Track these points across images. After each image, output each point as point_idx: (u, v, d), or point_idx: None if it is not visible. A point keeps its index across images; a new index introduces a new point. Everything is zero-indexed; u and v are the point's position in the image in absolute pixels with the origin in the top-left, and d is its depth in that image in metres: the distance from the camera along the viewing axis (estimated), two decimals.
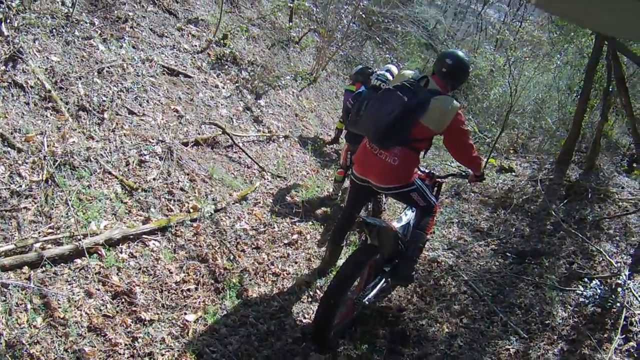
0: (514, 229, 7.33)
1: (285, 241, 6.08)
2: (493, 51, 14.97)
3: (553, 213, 7.56)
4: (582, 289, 5.58)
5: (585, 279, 5.74)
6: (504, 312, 5.48)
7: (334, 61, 13.05)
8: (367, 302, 4.56)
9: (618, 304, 5.44)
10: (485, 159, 9.73)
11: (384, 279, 4.76)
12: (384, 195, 6.43)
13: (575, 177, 8.79)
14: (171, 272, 4.74)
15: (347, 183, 6.95)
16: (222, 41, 8.92)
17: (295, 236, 6.22)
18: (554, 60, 11.52)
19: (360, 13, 12.63)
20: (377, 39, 15.28)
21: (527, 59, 10.26)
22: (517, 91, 9.68)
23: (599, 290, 5.47)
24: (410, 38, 17.19)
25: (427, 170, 5.19)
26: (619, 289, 5.48)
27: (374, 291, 4.62)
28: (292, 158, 8.25)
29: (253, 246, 5.72)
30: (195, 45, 8.54)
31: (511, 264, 6.51)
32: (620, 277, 5.64)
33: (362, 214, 5.37)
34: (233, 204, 6.27)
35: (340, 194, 7.60)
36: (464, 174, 5.30)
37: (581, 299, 5.54)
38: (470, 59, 5.24)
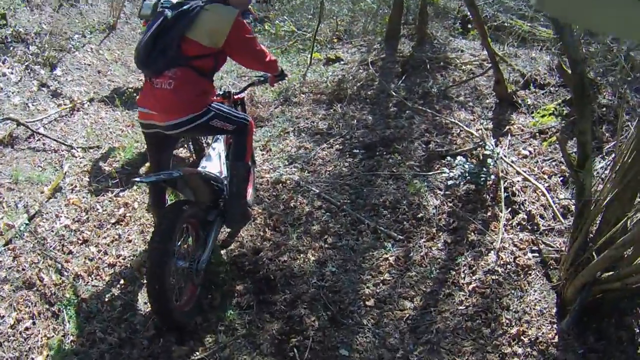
0: (355, 121, 6.18)
1: (113, 220, 4.78)
2: None
3: (393, 93, 6.50)
4: (447, 170, 4.55)
5: (448, 157, 4.71)
6: (370, 217, 4.61)
7: (131, 1, 11.05)
8: (203, 265, 3.72)
9: (492, 176, 4.49)
10: (309, 55, 8.56)
11: (213, 231, 3.93)
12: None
13: (409, 50, 7.80)
14: (2, 317, 3.71)
15: None
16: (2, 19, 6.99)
17: (121, 210, 4.89)
18: None
19: None
20: None
21: None
22: None
23: (466, 167, 4.49)
24: None
25: (220, 92, 4.39)
26: (489, 160, 4.52)
27: (207, 252, 3.79)
28: (101, 122, 6.62)
29: (80, 242, 4.51)
30: None
31: (362, 160, 5.39)
32: (487, 146, 4.67)
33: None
34: (47, 201, 4.94)
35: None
36: (262, 78, 4.61)
37: (450, 182, 4.51)
38: None
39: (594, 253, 3.27)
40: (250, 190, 4.66)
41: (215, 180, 3.89)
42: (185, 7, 3.37)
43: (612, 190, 3.17)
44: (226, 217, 3.99)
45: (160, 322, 3.56)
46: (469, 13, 7.54)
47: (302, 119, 6.64)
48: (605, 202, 3.21)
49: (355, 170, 5.22)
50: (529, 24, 8.31)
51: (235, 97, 4.53)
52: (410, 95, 6.46)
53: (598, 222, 3.40)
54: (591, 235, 3.41)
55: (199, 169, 4.09)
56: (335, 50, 9.09)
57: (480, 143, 5.00)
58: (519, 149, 5.04)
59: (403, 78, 6.97)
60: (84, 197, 5.08)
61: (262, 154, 5.90)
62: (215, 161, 4.30)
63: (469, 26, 8.48)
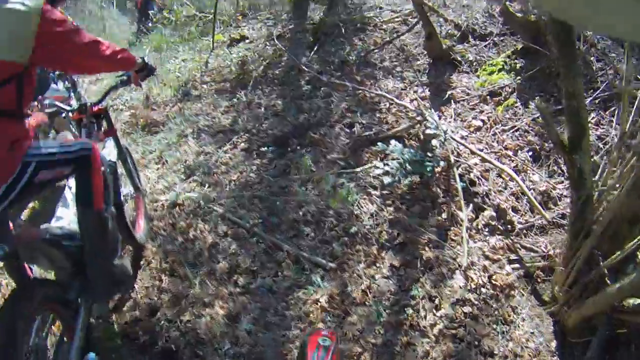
0: (262, 110, 4.96)
1: None
2: None
3: (304, 68, 5.28)
4: (380, 164, 3.37)
5: (379, 144, 3.52)
6: (289, 240, 3.46)
7: None
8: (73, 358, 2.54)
9: (441, 162, 3.35)
10: (211, 38, 7.30)
11: (81, 314, 2.68)
12: None
13: (320, 17, 6.59)
14: None
15: None
16: None
17: None
18: None
19: None
20: None
21: None
22: None
23: (405, 154, 3.32)
24: None
25: (70, 106, 3.28)
26: (434, 142, 3.37)
27: (76, 341, 2.58)
28: None
29: None
30: None
31: (272, 161, 4.18)
32: (428, 122, 3.51)
33: None
34: None
35: None
36: (124, 78, 3.24)
37: (386, 179, 3.32)
38: None
39: (606, 270, 2.16)
40: (141, 223, 3.62)
41: (69, 239, 2.67)
42: None
43: (624, 176, 2.06)
44: (90, 290, 2.74)
45: None
46: None
47: (202, 115, 5.39)
48: (616, 193, 2.09)
49: (265, 175, 4.01)
50: None
51: (94, 109, 3.18)
52: (325, 68, 5.27)
53: (604, 221, 2.27)
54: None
55: (48, 224, 2.80)
56: (240, 29, 7.82)
57: (418, 118, 3.85)
58: (467, 118, 3.92)
59: (315, 49, 5.75)
60: None
61: (157, 168, 4.68)
62: (72, 207, 2.96)
63: None
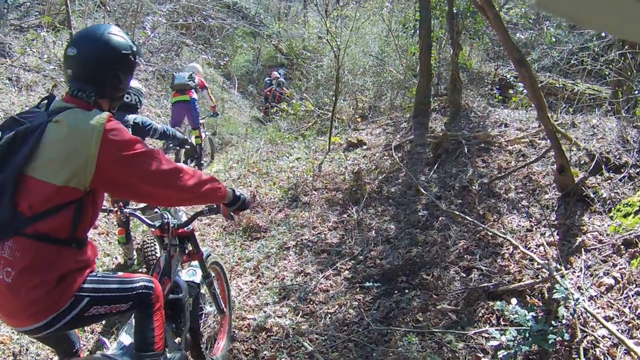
0: (372, 233, 4.64)
1: None
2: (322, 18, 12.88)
3: (422, 191, 4.92)
4: (496, 333, 2.89)
5: (498, 303, 3.05)
6: None
7: (142, 80, 10.11)
8: None
9: (567, 336, 2.84)
10: (327, 139, 7.25)
11: None
12: None
13: (442, 128, 6.28)
14: None
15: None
16: None
17: None
18: (383, 4, 9.26)
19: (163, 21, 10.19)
20: (192, 42, 12.65)
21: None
22: (339, 49, 7.09)
23: (528, 321, 2.85)
24: (230, 31, 14.69)
25: (157, 223, 2.89)
26: (561, 310, 2.88)
27: None
28: None
29: None
30: None
31: (376, 299, 3.80)
32: (557, 284, 3.02)
33: None
34: None
35: (135, 256, 4.82)
36: (214, 207, 2.92)
37: (501, 353, 2.83)
38: (128, 38, 2.12)
39: None
40: (221, 344, 3.43)
41: None
42: (23, 126, 1.97)
43: None
44: None
45: None
46: (516, 75, 6.02)
47: (308, 228, 5.17)
48: None
49: (366, 314, 3.64)
50: (584, 84, 6.73)
51: (178, 231, 2.93)
52: (444, 192, 4.88)
53: None
54: None
55: (103, 353, 2.56)
56: (358, 132, 7.70)
57: (543, 272, 3.36)
58: (598, 273, 3.35)
59: (435, 166, 5.39)
60: None
61: (251, 281, 4.49)
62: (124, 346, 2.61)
63: (510, 92, 6.93)
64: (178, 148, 6.47)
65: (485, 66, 8.59)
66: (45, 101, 2.11)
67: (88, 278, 2.09)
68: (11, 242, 1.90)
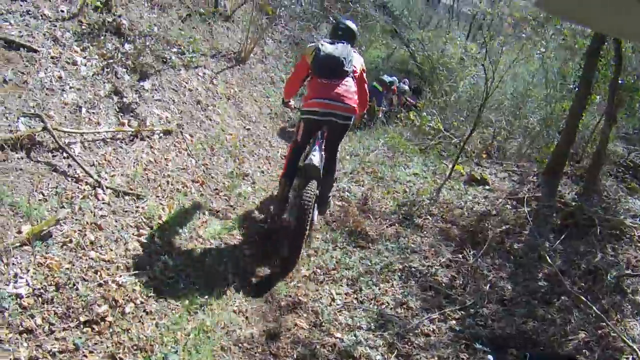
0: (488, 287, 4.43)
1: (84, 317, 2.97)
2: (465, 39, 12.46)
3: (547, 259, 4.67)
4: None
5: None
6: None
7: (277, 41, 10.04)
8: None
9: None
10: (451, 166, 6.90)
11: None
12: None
13: (572, 197, 5.92)
14: None
15: None
16: (103, 6, 5.62)
17: (103, 308, 3.07)
18: (540, 44, 8.74)
19: None
20: (334, 20, 12.51)
21: (509, 36, 7.38)
22: (494, 80, 6.73)
23: None
24: (373, 23, 14.38)
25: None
26: None
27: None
28: (163, 164, 4.83)
29: (19, 329, 2.70)
30: (63, 11, 5.19)
31: None
32: None
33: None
34: (17, 247, 3.09)
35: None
36: None
37: None
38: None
39: None
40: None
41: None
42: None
43: None
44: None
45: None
46: None
47: (418, 256, 4.95)
48: None
49: None
50: None
51: None
52: (569, 269, 4.60)
53: None
54: None
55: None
56: (482, 169, 7.42)
57: None
58: None
59: (562, 237, 5.08)
60: (69, 262, 3.27)
61: (347, 294, 4.27)
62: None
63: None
64: None
65: (615, 145, 7.99)
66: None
67: None
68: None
